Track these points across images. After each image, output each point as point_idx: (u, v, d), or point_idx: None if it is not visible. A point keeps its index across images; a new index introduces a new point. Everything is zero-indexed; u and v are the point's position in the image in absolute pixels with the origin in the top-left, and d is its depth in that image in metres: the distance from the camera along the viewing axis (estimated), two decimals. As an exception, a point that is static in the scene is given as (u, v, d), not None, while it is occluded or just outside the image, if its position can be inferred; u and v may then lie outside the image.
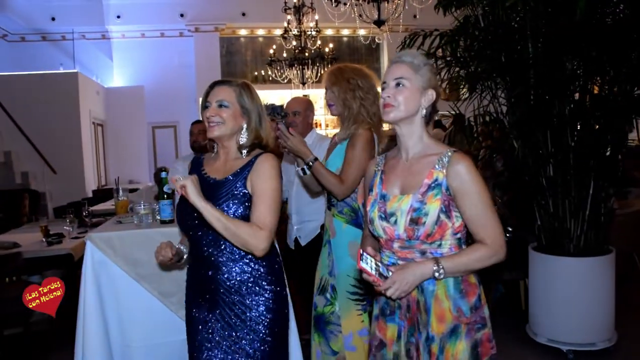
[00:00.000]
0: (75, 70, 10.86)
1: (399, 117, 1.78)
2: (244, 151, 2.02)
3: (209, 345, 1.97)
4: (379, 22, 6.34)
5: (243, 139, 2.01)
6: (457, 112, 4.23)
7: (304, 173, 2.54)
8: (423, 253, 1.75)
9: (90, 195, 9.40)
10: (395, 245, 1.79)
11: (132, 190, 8.79)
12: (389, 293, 1.65)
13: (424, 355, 1.74)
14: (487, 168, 4.81)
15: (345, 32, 13.44)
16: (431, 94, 1.80)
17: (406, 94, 1.76)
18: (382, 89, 1.82)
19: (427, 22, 10.19)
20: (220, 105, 1.97)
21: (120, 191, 3.41)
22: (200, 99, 8.34)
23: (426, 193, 1.73)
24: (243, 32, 13.45)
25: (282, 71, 10.41)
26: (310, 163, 2.49)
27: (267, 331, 1.94)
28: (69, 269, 4.36)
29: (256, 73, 12.85)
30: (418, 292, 1.77)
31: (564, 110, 3.60)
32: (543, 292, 3.81)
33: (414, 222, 1.72)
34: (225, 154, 2.05)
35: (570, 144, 3.61)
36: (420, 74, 1.78)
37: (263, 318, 1.95)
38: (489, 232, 1.72)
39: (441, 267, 1.67)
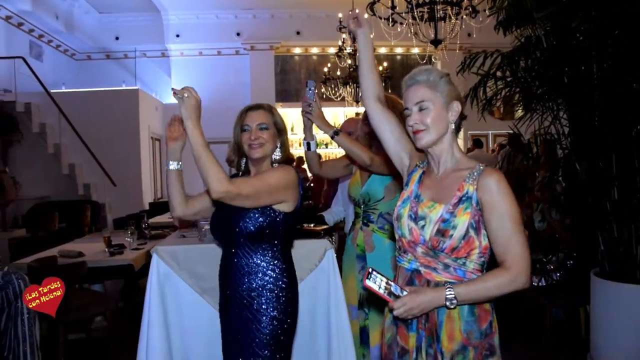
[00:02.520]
0: (136, 87, 11.30)
1: (432, 140, 1.73)
2: (275, 165, 2.18)
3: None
4: (436, 42, 6.31)
5: (277, 156, 2.18)
6: (516, 131, 4.15)
7: (308, 148, 2.71)
8: (446, 267, 1.70)
9: (147, 207, 9.68)
10: (419, 250, 1.74)
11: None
12: (395, 313, 1.62)
13: None
14: (546, 190, 4.70)
15: (399, 50, 13.45)
16: (456, 106, 1.75)
17: (432, 115, 1.71)
18: (407, 116, 1.77)
19: (481, 40, 10.14)
20: (261, 128, 2.13)
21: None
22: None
23: (457, 205, 1.68)
24: (297, 50, 13.68)
25: (336, 89, 10.50)
26: (334, 135, 2.63)
27: (270, 338, 2.04)
28: (130, 279, 4.50)
29: (309, 91, 12.98)
30: None
31: (631, 132, 3.49)
32: (605, 321, 3.66)
33: (441, 233, 1.67)
34: (257, 169, 2.19)
35: (637, 167, 3.50)
36: (439, 90, 1.73)
37: (272, 324, 2.04)
38: (512, 253, 1.62)
39: (453, 295, 1.61)
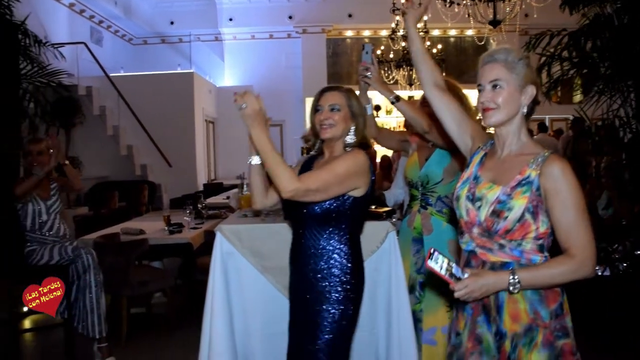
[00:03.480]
0: (191, 71, 11.48)
1: (501, 120, 1.73)
2: (348, 150, 2.14)
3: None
4: (495, 23, 6.14)
5: (350, 139, 2.14)
6: (580, 115, 4.01)
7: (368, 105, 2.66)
8: (502, 247, 1.69)
9: (201, 188, 9.89)
10: (475, 230, 1.75)
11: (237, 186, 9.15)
12: (457, 295, 1.61)
13: (493, 348, 1.71)
14: (612, 176, 4.53)
15: (453, 32, 13.17)
16: (531, 90, 1.72)
17: (504, 95, 1.70)
18: (479, 92, 1.76)
19: (539, 21, 9.81)
20: (333, 109, 2.11)
21: (245, 186, 3.55)
22: (306, 98, 8.54)
23: (515, 188, 1.67)
24: (349, 33, 13.57)
25: (389, 72, 10.39)
26: (394, 100, 2.62)
27: (332, 322, 2.04)
28: (188, 257, 4.61)
29: (360, 74, 12.90)
30: None
31: None
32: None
33: (496, 214, 1.68)
34: (330, 152, 2.19)
35: None
36: (516, 71, 1.70)
37: (335, 308, 2.04)
38: (577, 241, 1.60)
39: (517, 280, 1.59)
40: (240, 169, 12.59)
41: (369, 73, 2.55)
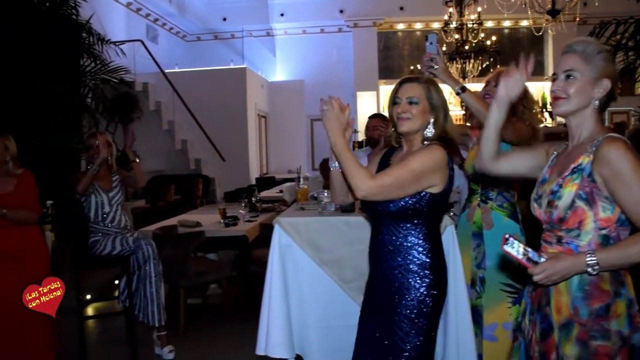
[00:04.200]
0: (243, 66, 11.63)
1: (569, 109, 1.73)
2: (427, 143, 2.09)
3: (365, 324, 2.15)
4: (553, 12, 5.96)
5: (429, 133, 2.09)
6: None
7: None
8: (559, 240, 1.70)
9: (253, 182, 10.02)
10: (544, 226, 1.79)
11: (292, 180, 9.24)
12: (535, 278, 1.59)
13: (537, 336, 1.73)
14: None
15: (507, 23, 12.84)
16: (605, 84, 1.70)
17: (577, 85, 1.69)
18: (553, 81, 1.76)
19: (599, 9, 9.45)
20: (411, 102, 2.06)
21: (301, 180, 3.59)
22: (358, 93, 8.51)
23: (566, 177, 1.68)
24: (401, 26, 13.44)
25: (440, 65, 10.22)
26: (460, 91, 2.58)
27: (411, 319, 2.01)
28: (244, 250, 4.69)
29: (412, 67, 12.75)
30: None
31: None
32: None
33: (550, 204, 1.71)
34: (409, 146, 2.14)
35: None
36: (592, 64, 1.69)
37: (413, 305, 2.01)
38: None
39: (595, 261, 1.56)
40: (291, 163, 12.83)
41: (435, 64, 2.52)
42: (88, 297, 4.74)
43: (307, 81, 13.00)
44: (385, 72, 13.18)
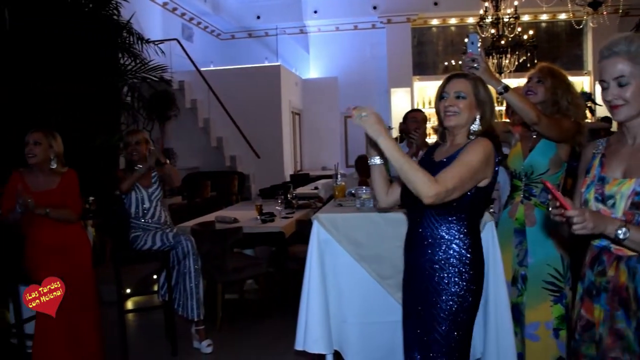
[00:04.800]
0: (277, 64, 11.69)
1: (631, 115, 1.69)
2: (472, 137, 2.10)
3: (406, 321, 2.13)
4: (595, 4, 5.81)
5: (475, 127, 2.09)
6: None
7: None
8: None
9: (288, 179, 10.07)
10: None
11: (326, 177, 9.25)
12: (575, 220, 1.52)
13: (635, 344, 1.64)
14: None
15: (544, 17, 12.57)
16: None
17: (631, 89, 1.64)
18: (603, 89, 1.70)
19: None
20: (458, 97, 2.07)
21: (339, 176, 3.60)
22: (392, 89, 8.45)
23: None
24: (435, 21, 13.29)
25: (476, 60, 10.08)
26: (503, 90, 2.54)
27: (449, 314, 2.00)
28: (280, 246, 4.72)
29: (446, 63, 12.62)
30: (628, 278, 1.65)
31: None
32: None
33: (635, 206, 1.63)
34: (451, 140, 2.15)
35: None
36: None
37: (452, 300, 2.00)
38: None
39: (626, 228, 1.54)
40: (325, 160, 12.85)
41: (476, 64, 2.49)
42: (128, 291, 4.84)
43: (341, 78, 12.98)
44: (420, 68, 13.07)
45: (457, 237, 2.03)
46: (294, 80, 12.41)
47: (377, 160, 2.14)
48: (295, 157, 12.41)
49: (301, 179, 9.61)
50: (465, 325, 2.04)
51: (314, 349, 2.77)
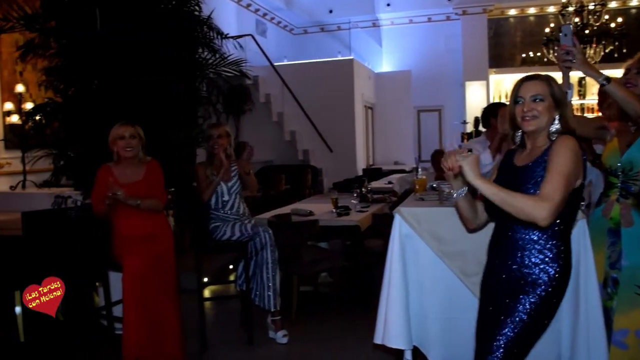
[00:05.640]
0: (350, 57, 11.66)
1: None
2: (553, 138, 2.02)
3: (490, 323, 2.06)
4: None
5: (554, 128, 2.03)
6: None
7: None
8: None
9: (360, 173, 10.05)
10: None
11: (398, 172, 9.16)
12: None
13: None
14: None
15: (634, 2, 11.84)
16: None
17: None
18: None
19: None
20: (535, 99, 2.02)
21: (420, 170, 3.54)
22: (466, 82, 8.18)
23: None
24: (512, 12, 12.82)
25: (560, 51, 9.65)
26: (605, 82, 2.43)
27: (531, 318, 1.96)
28: (355, 240, 4.70)
29: (524, 55, 12.17)
30: None
31: None
32: None
33: None
34: (532, 142, 2.09)
35: None
36: None
37: (537, 304, 1.96)
38: None
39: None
40: (397, 155, 12.74)
41: (572, 57, 2.38)
42: (205, 279, 4.98)
43: (414, 71, 12.81)
44: (496, 61, 12.65)
45: (549, 241, 1.98)
46: (367, 74, 12.35)
47: (463, 192, 2.15)
48: (367, 151, 12.37)
49: (374, 173, 9.57)
50: (544, 329, 2.04)
51: (393, 343, 2.75)
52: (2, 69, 6.97)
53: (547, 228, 1.94)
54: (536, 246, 1.98)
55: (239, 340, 4.02)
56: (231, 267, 5.56)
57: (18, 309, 4.08)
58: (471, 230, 2.36)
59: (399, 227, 2.73)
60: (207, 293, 5.28)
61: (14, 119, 6.74)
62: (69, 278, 3.54)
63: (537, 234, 1.98)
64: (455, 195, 2.15)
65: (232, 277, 5.56)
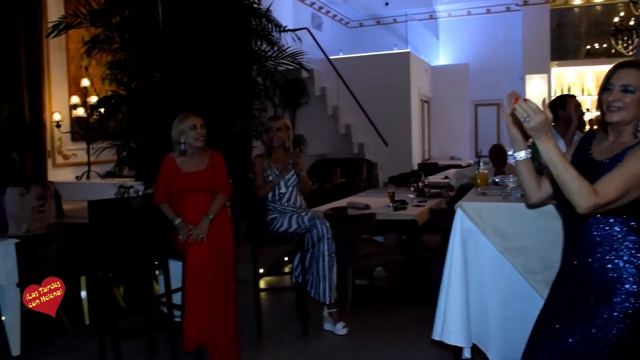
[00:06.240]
0: (407, 50, 11.52)
1: None
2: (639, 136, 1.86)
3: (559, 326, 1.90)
4: None
5: None
6: None
7: None
8: None
9: (415, 168, 9.93)
10: None
11: (454, 167, 9.00)
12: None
13: None
14: None
15: None
16: None
17: None
18: None
19: None
20: (625, 90, 1.85)
21: (482, 164, 3.46)
22: (527, 76, 7.90)
23: None
24: (577, 1, 12.35)
25: (629, 42, 9.21)
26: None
27: (624, 317, 1.79)
28: (412, 234, 4.65)
29: (589, 47, 11.70)
30: None
31: None
32: None
33: None
34: (616, 136, 1.93)
35: None
36: None
37: (628, 301, 1.78)
38: None
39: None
40: (453, 150, 12.52)
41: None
42: (260, 271, 5.03)
43: (472, 64, 12.54)
44: (559, 53, 12.21)
45: (629, 235, 1.82)
46: (423, 67, 12.18)
47: (523, 154, 1.98)
48: (423, 146, 12.21)
49: (429, 168, 9.44)
50: (634, 333, 1.82)
51: (452, 340, 2.70)
52: (70, 64, 7.25)
53: (626, 222, 1.82)
54: (616, 240, 1.83)
55: (294, 332, 4.04)
56: (286, 259, 5.60)
57: (84, 294, 4.26)
58: (530, 205, 2.22)
59: (461, 222, 2.68)
60: (261, 284, 5.34)
61: (80, 112, 7.01)
62: (131, 265, 3.68)
63: (616, 227, 1.84)
64: (517, 156, 2.00)
65: (286, 269, 5.60)
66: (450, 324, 2.68)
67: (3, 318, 3.53)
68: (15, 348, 3.57)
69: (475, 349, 2.78)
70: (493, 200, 2.78)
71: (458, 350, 2.80)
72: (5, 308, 3.53)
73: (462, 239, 2.67)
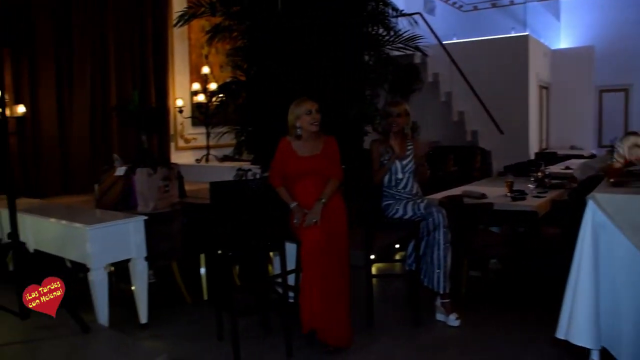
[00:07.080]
0: (525, 33, 10.98)
1: None
2: None
3: None
4: None
5: None
6: None
7: None
8: None
9: (532, 157, 9.47)
10: None
11: (575, 157, 8.47)
12: None
13: None
14: None
15: None
16: None
17: None
18: None
19: None
20: None
21: (614, 153, 3.22)
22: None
23: None
24: None
25: None
26: None
27: None
28: (531, 226, 4.44)
29: None
30: None
31: None
32: None
33: None
34: None
35: None
36: None
37: None
38: None
39: None
40: (574, 139, 11.77)
41: None
42: (372, 257, 5.02)
43: (597, 47, 11.68)
44: None
45: None
46: (543, 51, 11.54)
47: None
48: (541, 134, 11.60)
49: (548, 157, 8.95)
50: None
51: (579, 341, 2.56)
52: (191, 53, 7.66)
53: None
54: None
55: (405, 320, 4.00)
56: (397, 246, 5.55)
57: (202, 270, 4.51)
58: None
59: (592, 215, 2.51)
60: (373, 270, 5.33)
61: (200, 97, 7.38)
62: (248, 245, 3.82)
63: None
64: None
65: (397, 257, 5.56)
66: (577, 324, 2.54)
67: (133, 288, 3.85)
68: (143, 316, 3.88)
69: (604, 353, 2.61)
70: (632, 193, 2.58)
71: (584, 352, 2.65)
72: (135, 279, 3.84)
73: (594, 234, 2.50)
